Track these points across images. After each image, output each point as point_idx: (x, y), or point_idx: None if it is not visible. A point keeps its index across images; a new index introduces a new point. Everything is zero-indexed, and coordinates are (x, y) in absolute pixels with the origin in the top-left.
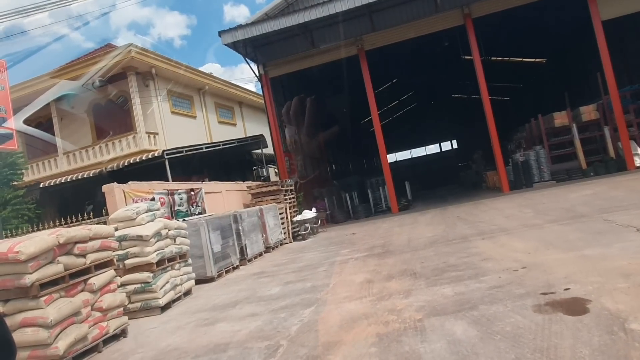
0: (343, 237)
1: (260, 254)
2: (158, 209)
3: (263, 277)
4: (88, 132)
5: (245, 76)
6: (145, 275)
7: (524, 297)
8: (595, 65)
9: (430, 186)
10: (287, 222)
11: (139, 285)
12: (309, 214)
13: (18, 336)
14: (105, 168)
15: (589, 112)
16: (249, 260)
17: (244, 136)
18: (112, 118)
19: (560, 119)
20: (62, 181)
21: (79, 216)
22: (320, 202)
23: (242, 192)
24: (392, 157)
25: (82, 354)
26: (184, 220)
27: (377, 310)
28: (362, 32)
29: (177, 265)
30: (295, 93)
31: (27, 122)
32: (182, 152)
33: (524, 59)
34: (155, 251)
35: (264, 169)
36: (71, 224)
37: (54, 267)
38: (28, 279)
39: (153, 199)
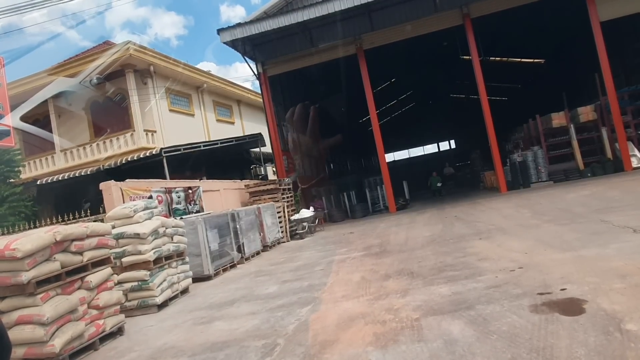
0: (340, 236)
1: (258, 253)
2: (155, 207)
3: (260, 275)
4: (85, 129)
5: (240, 75)
6: (142, 273)
7: (521, 297)
8: (593, 66)
9: (428, 186)
10: (285, 220)
11: (136, 283)
12: (306, 213)
13: (14, 334)
14: (103, 166)
15: (586, 113)
16: (246, 259)
17: (242, 135)
18: (110, 115)
19: (558, 119)
20: (60, 178)
21: (76, 214)
22: (318, 201)
23: (240, 190)
24: (390, 157)
25: (78, 352)
26: (181, 218)
27: (374, 310)
28: (361, 31)
29: (174, 264)
30: (294, 92)
31: (24, 119)
32: (180, 150)
33: (523, 60)
34: (152, 249)
35: (262, 168)
36: (68, 222)
37: (50, 265)
38: (24, 276)
39: (150, 197)
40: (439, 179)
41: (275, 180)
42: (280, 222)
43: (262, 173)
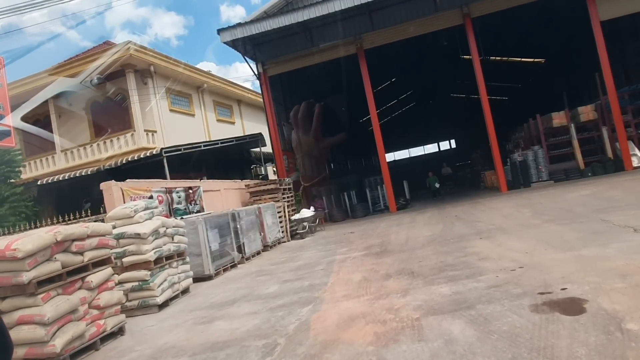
0: (341, 236)
1: (258, 253)
2: (156, 207)
3: (261, 275)
4: (86, 129)
5: (240, 75)
6: (143, 273)
7: (521, 297)
8: (593, 65)
9: (427, 187)
10: (285, 220)
11: (136, 283)
12: (307, 212)
13: (15, 334)
14: (103, 166)
15: (587, 112)
16: (247, 259)
17: (242, 134)
18: (111, 115)
19: (558, 119)
20: (60, 178)
21: (77, 214)
22: (319, 201)
23: (240, 190)
24: (390, 157)
25: (79, 352)
26: (182, 218)
27: (375, 309)
28: (361, 31)
29: (174, 264)
30: (294, 92)
31: (25, 119)
32: (180, 150)
33: (523, 59)
34: (153, 249)
35: (262, 168)
36: (69, 222)
37: (51, 265)
38: (25, 277)
39: (151, 197)
40: (436, 179)
41: (275, 180)
42: (280, 222)
43: (263, 173)
